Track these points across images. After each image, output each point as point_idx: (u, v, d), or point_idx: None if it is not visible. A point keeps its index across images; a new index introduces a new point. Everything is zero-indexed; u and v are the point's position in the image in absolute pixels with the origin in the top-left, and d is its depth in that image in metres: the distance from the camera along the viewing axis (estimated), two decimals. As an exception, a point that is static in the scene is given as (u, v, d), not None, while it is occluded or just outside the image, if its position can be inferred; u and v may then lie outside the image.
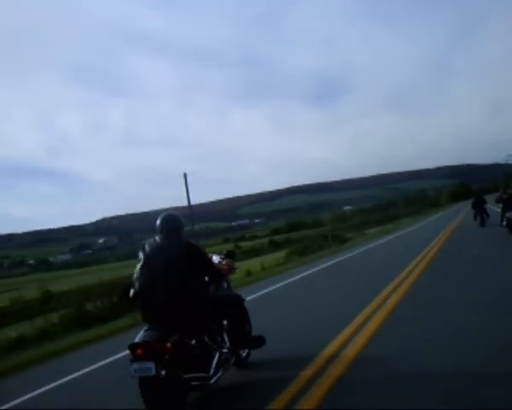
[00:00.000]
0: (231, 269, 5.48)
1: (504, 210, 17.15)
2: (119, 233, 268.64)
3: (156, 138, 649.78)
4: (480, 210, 23.61)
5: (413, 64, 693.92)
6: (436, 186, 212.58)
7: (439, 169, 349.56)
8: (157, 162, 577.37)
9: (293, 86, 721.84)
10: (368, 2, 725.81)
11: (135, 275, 4.50)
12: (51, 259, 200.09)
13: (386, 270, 12.95)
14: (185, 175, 28.08)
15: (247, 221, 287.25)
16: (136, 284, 4.46)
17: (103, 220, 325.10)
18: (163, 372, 3.93)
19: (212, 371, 4.40)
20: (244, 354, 5.32)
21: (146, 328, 4.34)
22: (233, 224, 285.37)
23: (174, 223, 4.75)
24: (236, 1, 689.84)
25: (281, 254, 36.15)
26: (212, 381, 4.38)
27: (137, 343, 4.00)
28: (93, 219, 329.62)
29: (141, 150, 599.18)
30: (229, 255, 5.66)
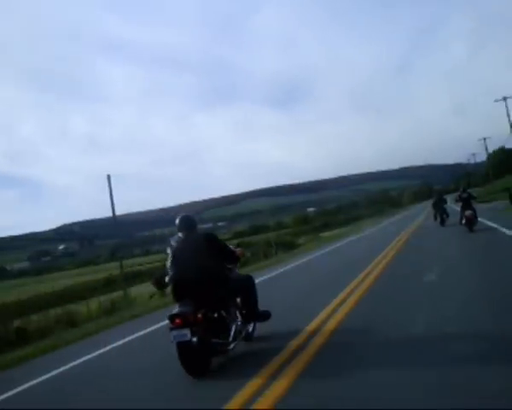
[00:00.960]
0: (243, 254, 6.81)
1: (463, 209, 17.37)
2: (80, 239, 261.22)
3: (119, 143, 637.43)
4: (439, 210, 23.71)
5: (374, 66, 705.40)
6: (399, 187, 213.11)
7: (402, 170, 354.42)
8: (120, 167, 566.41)
9: (256, 90, 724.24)
10: (328, 6, 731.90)
11: (167, 265, 5.77)
12: (8, 267, 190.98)
13: (309, 300, 9.09)
14: (108, 177, 23.21)
15: (210, 225, 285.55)
16: (170, 272, 5.70)
17: (64, 226, 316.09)
18: (194, 339, 4.95)
19: (230, 339, 5.51)
20: (250, 330, 6.26)
21: (178, 305, 5.31)
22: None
23: (190, 221, 5.95)
24: (199, 5, 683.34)
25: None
26: (231, 347, 5.49)
27: (176, 314, 5.05)
28: (53, 226, 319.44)
29: (103, 155, 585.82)
30: (238, 246, 7.95)
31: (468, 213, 16.78)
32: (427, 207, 46.53)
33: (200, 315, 5.01)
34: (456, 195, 21.35)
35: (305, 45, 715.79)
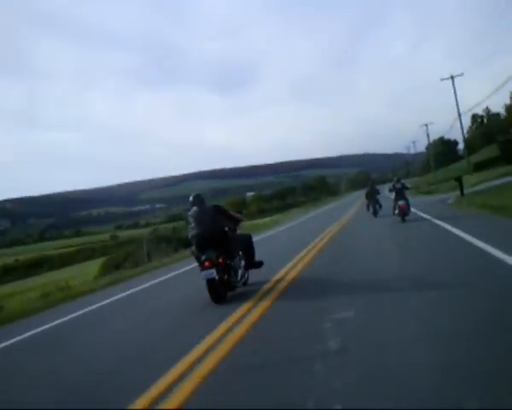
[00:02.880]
0: (242, 219, 8.72)
1: (397, 199, 17.52)
2: (12, 218, 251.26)
3: (58, 121, 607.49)
4: (372, 200, 23.46)
5: (316, 57, 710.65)
6: (337, 174, 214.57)
7: (341, 157, 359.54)
8: (58, 145, 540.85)
9: (199, 73, 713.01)
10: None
11: (190, 228, 7.65)
12: None
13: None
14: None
15: (147, 206, 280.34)
16: (192, 232, 7.54)
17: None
18: (217, 277, 6.98)
19: (238, 278, 7.68)
20: (246, 276, 8.21)
21: (202, 255, 7.23)
22: (134, 209, 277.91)
23: (201, 198, 7.89)
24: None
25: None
26: (239, 285, 7.71)
27: (206, 259, 7.06)
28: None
29: (41, 133, 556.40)
30: (239, 212, 9.08)
31: (401, 203, 17.11)
32: (362, 196, 44.45)
33: (221, 260, 7.18)
34: (390, 185, 21.21)
35: (250, 32, 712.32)
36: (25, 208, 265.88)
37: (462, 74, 39.56)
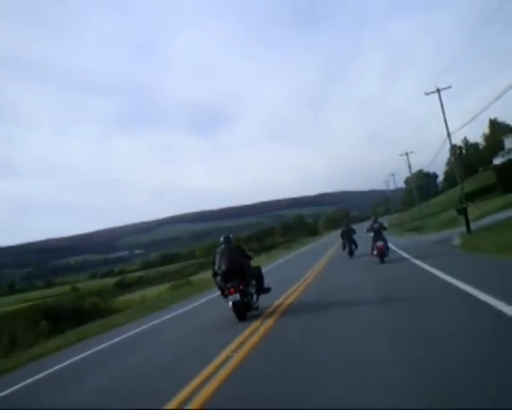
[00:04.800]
0: (252, 256, 10.45)
1: (375, 240, 17.07)
2: None
3: (32, 167, 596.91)
4: (348, 240, 22.83)
5: (291, 96, 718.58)
6: (316, 213, 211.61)
7: (318, 196, 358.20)
8: (35, 192, 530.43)
9: (175, 115, 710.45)
10: (246, 37, 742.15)
11: (216, 262, 9.75)
12: None
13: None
14: None
15: (126, 252, 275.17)
16: (219, 265, 9.62)
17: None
18: (240, 300, 9.03)
19: (254, 301, 9.82)
20: (258, 302, 10.14)
21: (227, 283, 9.23)
22: (111, 256, 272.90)
23: (229, 239, 10.01)
24: (116, 29, 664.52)
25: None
26: (255, 306, 9.80)
27: (230, 286, 9.05)
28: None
29: (17, 180, 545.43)
30: (250, 250, 11.53)
31: (379, 243, 16.66)
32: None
33: (241, 287, 9.17)
34: (368, 224, 20.15)
35: (224, 73, 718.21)
36: (0, 259, 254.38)
37: (449, 87, 35.44)
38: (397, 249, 20.50)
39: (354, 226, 27.25)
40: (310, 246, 53.49)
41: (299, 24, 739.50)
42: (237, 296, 8.98)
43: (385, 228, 18.59)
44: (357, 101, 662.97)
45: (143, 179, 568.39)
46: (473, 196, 47.43)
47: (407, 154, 65.16)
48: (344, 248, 23.24)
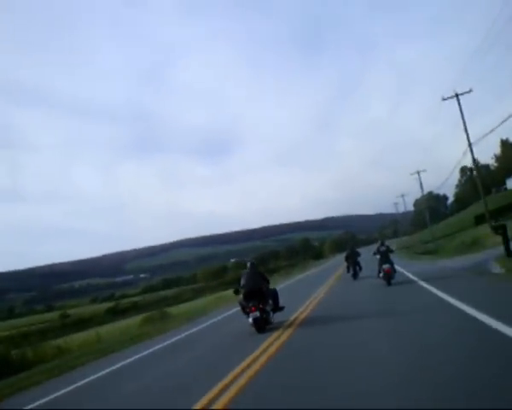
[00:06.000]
0: (269, 280, 12.35)
1: (381, 262, 17.04)
2: None
3: (40, 193, 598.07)
4: (352, 263, 23.11)
5: (298, 121, 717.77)
6: (322, 236, 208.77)
7: (325, 220, 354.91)
8: (42, 218, 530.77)
9: (181, 141, 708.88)
10: (254, 63, 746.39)
11: (241, 283, 11.63)
12: None
13: None
14: None
15: (131, 276, 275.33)
16: (243, 285, 11.54)
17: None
18: (259, 316, 10.81)
19: (271, 317, 11.56)
20: (272, 317, 11.88)
21: (249, 302, 11.07)
22: (117, 279, 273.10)
23: (254, 264, 12.28)
24: (123, 55, 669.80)
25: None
26: (272, 322, 11.51)
27: (251, 306, 10.85)
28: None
29: (24, 206, 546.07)
30: (266, 272, 14.53)
31: (385, 266, 16.70)
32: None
33: (261, 305, 10.97)
34: (374, 248, 20.18)
35: (230, 99, 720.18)
36: (6, 283, 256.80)
37: (469, 91, 32.42)
38: (415, 278, 17.14)
39: (361, 250, 27.85)
40: (312, 271, 49.91)
41: (307, 49, 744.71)
42: (257, 314, 10.84)
43: (392, 251, 18.74)
44: (363, 124, 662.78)
45: (150, 204, 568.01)
46: (492, 216, 44.22)
47: (419, 172, 62.19)
48: (348, 271, 23.83)
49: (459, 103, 31.96)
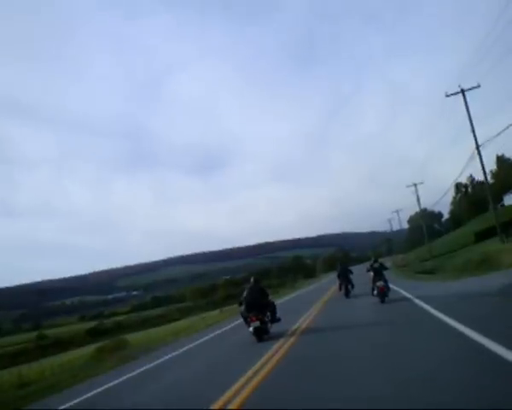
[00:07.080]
0: (268, 293, 14.14)
1: (375, 280, 16.91)
2: None
3: (32, 208, 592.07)
4: (344, 280, 23.11)
5: (291, 138, 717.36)
6: (315, 254, 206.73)
7: (320, 237, 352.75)
8: (33, 234, 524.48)
9: (175, 157, 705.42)
10: (247, 78, 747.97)
11: (243, 296, 13.39)
12: None
13: None
14: None
15: (124, 293, 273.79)
16: (245, 298, 13.27)
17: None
18: (259, 326, 12.60)
19: (268, 328, 13.18)
20: (270, 327, 13.43)
21: (250, 313, 12.82)
22: (109, 297, 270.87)
23: (258, 279, 14.12)
24: (116, 70, 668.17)
25: None
26: (269, 332, 13.14)
27: (252, 315, 12.67)
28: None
29: (13, 220, 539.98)
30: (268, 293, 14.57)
31: (379, 283, 16.56)
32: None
33: (260, 316, 12.64)
34: (367, 265, 20.22)
35: (224, 116, 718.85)
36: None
37: (478, 86, 30.46)
38: (428, 306, 12.60)
39: (353, 267, 28.08)
40: (302, 291, 47.14)
41: (301, 67, 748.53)
42: (258, 323, 12.43)
43: (386, 268, 18.51)
44: (357, 143, 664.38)
45: (143, 220, 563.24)
46: (492, 233, 42.01)
47: (416, 185, 59.99)
48: (340, 289, 23.77)
49: (465, 101, 29.86)
